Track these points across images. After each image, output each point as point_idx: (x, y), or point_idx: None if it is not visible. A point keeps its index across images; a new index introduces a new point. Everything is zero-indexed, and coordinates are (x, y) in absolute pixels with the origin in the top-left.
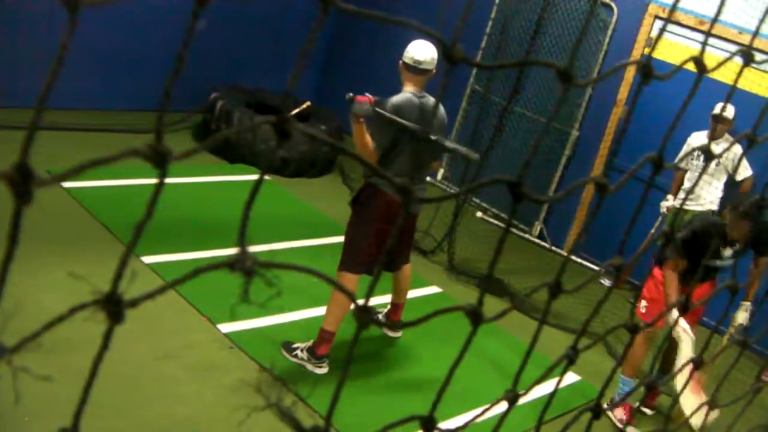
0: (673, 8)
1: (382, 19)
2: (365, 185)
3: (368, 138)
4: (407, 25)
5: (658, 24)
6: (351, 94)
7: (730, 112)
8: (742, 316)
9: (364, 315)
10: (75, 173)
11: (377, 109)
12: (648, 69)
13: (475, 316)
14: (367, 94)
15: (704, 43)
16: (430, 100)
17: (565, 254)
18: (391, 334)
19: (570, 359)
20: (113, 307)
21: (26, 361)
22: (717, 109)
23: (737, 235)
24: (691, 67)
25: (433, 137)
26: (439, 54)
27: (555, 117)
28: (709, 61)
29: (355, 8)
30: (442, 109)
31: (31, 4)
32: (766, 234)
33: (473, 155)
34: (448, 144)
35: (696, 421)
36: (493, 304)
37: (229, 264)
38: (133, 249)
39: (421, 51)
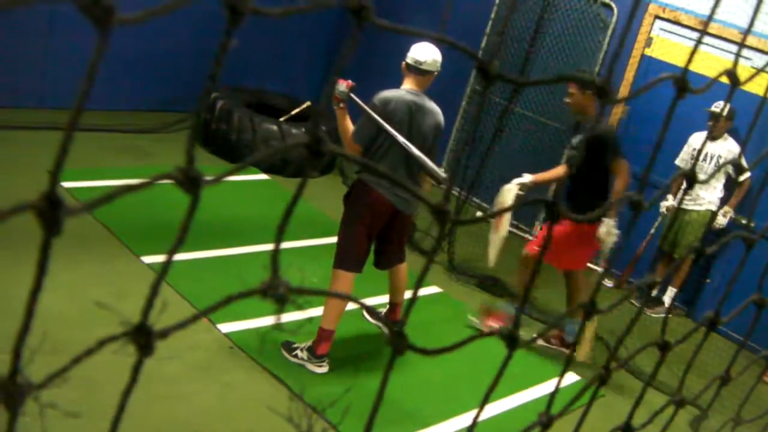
0: (709, 19)
1: (413, 33)
2: (356, 181)
3: (349, 124)
4: (439, 40)
5: (658, 24)
6: (335, 77)
7: (728, 110)
8: (610, 238)
9: (400, 341)
10: (106, 201)
11: (352, 95)
12: (683, 83)
13: (511, 340)
14: (349, 80)
15: (737, 55)
16: (427, 102)
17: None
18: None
19: (602, 379)
20: (143, 339)
21: (33, 368)
22: (714, 107)
23: (574, 109)
24: (718, 76)
25: (401, 140)
26: (442, 59)
27: (556, 117)
28: (712, 61)
29: (389, 23)
30: (438, 111)
31: (32, 5)
32: (600, 140)
33: (441, 175)
34: (417, 154)
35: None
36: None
37: (262, 291)
38: (136, 250)
39: (423, 52)
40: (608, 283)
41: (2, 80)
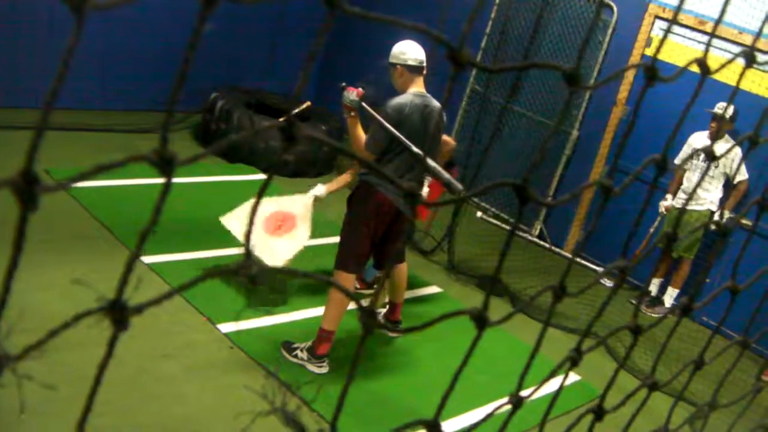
0: (678, 9)
1: (388, 21)
2: (360, 183)
3: (360, 132)
4: (413, 29)
5: (659, 24)
6: (344, 84)
7: (729, 112)
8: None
9: (371, 320)
10: (79, 179)
11: (363, 104)
12: (653, 71)
13: (481, 321)
14: (360, 87)
15: (708, 45)
16: (432, 101)
17: (566, 254)
18: (390, 333)
19: (573, 361)
20: (118, 314)
21: (29, 364)
22: (717, 109)
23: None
24: (694, 68)
25: (416, 150)
26: (427, 56)
27: (558, 118)
28: (711, 61)
29: (361, 11)
30: (439, 106)
31: (32, 4)
32: None
33: (457, 185)
34: (434, 166)
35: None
36: (493, 305)
37: (235, 270)
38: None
39: (418, 50)
40: (608, 282)
41: (2, 80)
